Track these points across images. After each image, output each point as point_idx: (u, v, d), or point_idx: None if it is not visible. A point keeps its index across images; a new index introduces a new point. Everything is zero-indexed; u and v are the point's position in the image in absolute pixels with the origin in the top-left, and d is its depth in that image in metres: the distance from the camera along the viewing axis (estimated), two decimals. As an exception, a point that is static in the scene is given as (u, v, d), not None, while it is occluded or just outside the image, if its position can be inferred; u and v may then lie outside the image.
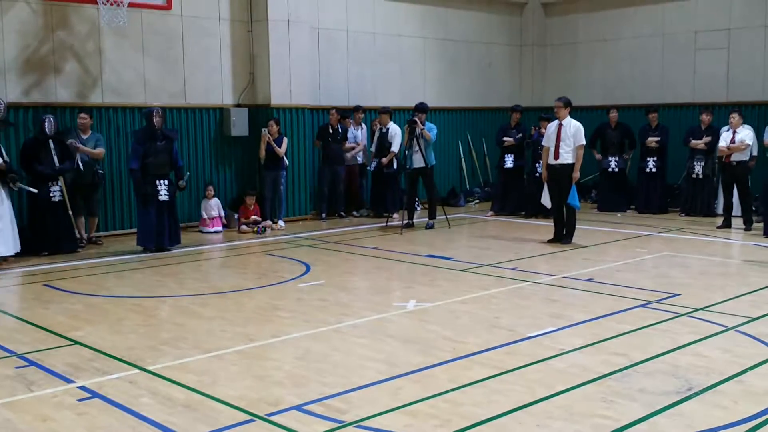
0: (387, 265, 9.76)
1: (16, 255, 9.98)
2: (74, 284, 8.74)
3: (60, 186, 10.50)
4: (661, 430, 4.46)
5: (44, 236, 10.46)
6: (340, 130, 13.92)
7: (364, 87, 15.14)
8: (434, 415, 4.70)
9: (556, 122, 11.01)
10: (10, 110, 10.87)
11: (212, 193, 12.63)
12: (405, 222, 12.69)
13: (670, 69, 15.88)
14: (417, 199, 13.80)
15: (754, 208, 12.61)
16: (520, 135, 14.29)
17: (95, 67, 11.78)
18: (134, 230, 12.13)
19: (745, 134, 12.28)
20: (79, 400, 5.04)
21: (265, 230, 12.48)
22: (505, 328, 6.68)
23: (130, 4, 11.36)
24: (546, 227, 11.94)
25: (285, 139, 12.96)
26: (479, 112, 17.18)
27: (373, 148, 14.22)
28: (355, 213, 14.44)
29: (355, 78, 15.02)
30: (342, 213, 14.17)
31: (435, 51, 16.35)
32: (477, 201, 16.46)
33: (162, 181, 10.47)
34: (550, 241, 11.09)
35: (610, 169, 14.74)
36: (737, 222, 12.38)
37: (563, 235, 11.03)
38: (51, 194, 10.44)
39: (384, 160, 13.85)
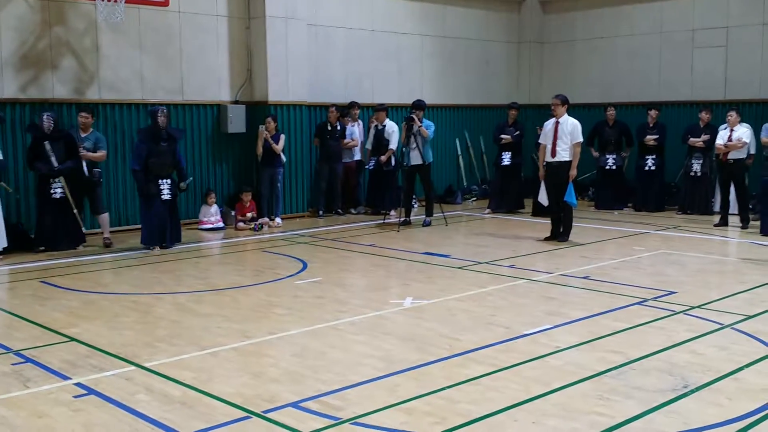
0: (384, 263, 9.77)
1: (4, 250, 9.98)
2: (71, 281, 8.73)
3: (61, 184, 10.38)
4: (657, 428, 4.47)
5: (44, 233, 10.44)
6: (338, 127, 13.91)
7: (361, 84, 15.13)
8: (430, 413, 4.70)
9: (553, 120, 11.00)
10: (7, 106, 10.86)
11: (213, 199, 12.62)
12: (402, 219, 12.69)
13: (668, 67, 15.88)
14: (414, 197, 13.80)
15: (751, 206, 12.63)
16: (518, 132, 14.28)
17: (92, 64, 11.77)
18: (130, 227, 12.19)
19: (743, 132, 12.29)
20: (75, 396, 5.04)
21: (262, 227, 12.47)
22: (502, 325, 6.68)
23: (128, 1, 11.35)
24: (543, 225, 11.94)
25: (282, 136, 12.95)
26: (477, 109, 17.18)
27: (369, 146, 14.21)
28: (352, 210, 14.43)
29: (352, 75, 15.01)
30: (339, 210, 14.17)
31: (433, 48, 16.34)
32: (474, 198, 16.47)
33: (165, 181, 10.41)
34: (547, 239, 11.09)
35: (607, 167, 14.74)
36: (734, 220, 12.39)
37: (560, 232, 11.03)
38: (52, 191, 10.36)
39: (383, 158, 13.85)
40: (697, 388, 5.06)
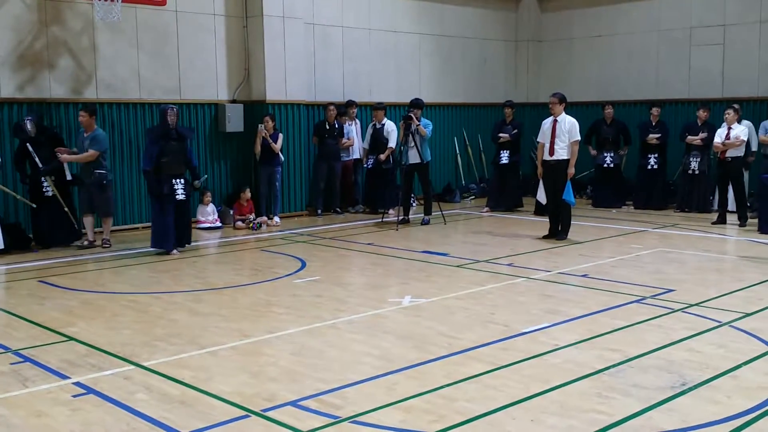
0: (382, 261, 9.77)
1: (2, 251, 10.03)
2: (69, 280, 8.73)
3: (47, 183, 10.48)
4: (656, 425, 4.47)
5: (38, 231, 10.54)
6: (336, 126, 13.91)
7: (359, 83, 15.13)
8: (429, 411, 4.70)
9: (551, 118, 11.01)
10: (4, 106, 10.85)
11: (209, 199, 12.63)
12: (400, 218, 12.69)
13: (666, 65, 15.89)
14: (412, 195, 13.80)
15: (749, 204, 12.64)
16: (516, 131, 14.28)
17: (89, 63, 11.75)
18: (128, 226, 12.19)
19: (740, 130, 12.29)
20: (74, 396, 5.04)
21: (260, 226, 12.47)
22: (500, 323, 6.69)
23: (125, 0, 11.33)
24: (541, 223, 11.95)
25: (280, 135, 12.96)
26: (475, 108, 17.18)
27: (366, 145, 14.20)
28: (350, 209, 14.43)
29: (350, 74, 15.00)
30: (338, 209, 14.17)
31: (430, 47, 16.34)
32: (472, 197, 16.47)
33: (178, 180, 10.13)
34: (545, 237, 11.10)
35: (605, 165, 14.75)
36: (732, 218, 12.40)
37: (558, 230, 11.04)
38: (44, 190, 10.48)
39: (382, 156, 13.84)
40: (696, 386, 5.07)
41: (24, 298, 7.90)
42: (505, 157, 14.31)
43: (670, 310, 7.04)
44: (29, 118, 10.50)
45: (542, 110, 14.86)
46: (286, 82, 13.47)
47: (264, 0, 13.10)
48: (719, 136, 12.35)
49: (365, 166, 14.34)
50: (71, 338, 6.38)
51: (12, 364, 5.73)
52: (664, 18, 15.88)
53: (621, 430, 4.42)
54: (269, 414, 4.68)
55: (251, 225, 12.42)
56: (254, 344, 6.22)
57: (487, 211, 14.29)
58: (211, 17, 13.04)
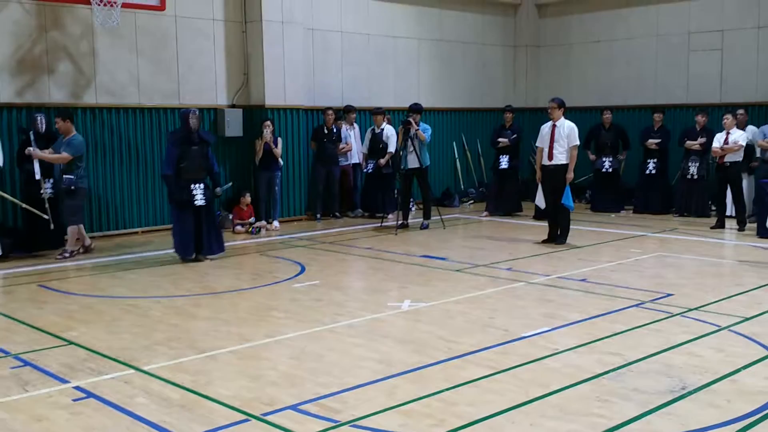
0: (382, 266, 9.77)
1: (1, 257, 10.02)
2: (69, 285, 8.73)
3: (51, 182, 10.46)
4: (655, 429, 4.48)
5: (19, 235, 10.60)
6: (335, 130, 13.93)
7: (358, 88, 15.14)
8: (429, 415, 4.71)
9: (550, 123, 11.02)
10: (3, 110, 10.86)
11: None
12: (400, 222, 12.69)
13: (664, 70, 15.92)
14: (412, 200, 13.81)
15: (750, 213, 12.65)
16: (515, 136, 14.30)
17: (89, 68, 11.77)
18: (127, 230, 12.20)
19: (739, 135, 12.31)
20: (74, 400, 5.04)
21: (259, 231, 12.48)
22: (500, 327, 6.69)
23: (124, 5, 11.34)
24: (540, 228, 11.96)
25: (279, 140, 12.98)
26: (474, 112, 17.21)
27: (365, 149, 14.21)
28: (349, 213, 14.44)
29: (349, 79, 15.02)
30: (337, 213, 14.17)
31: (429, 52, 16.37)
32: (471, 201, 16.48)
33: (198, 185, 9.83)
34: (544, 242, 11.11)
35: (603, 170, 14.77)
36: (731, 223, 12.42)
37: (557, 235, 11.05)
38: (42, 193, 10.36)
39: (381, 161, 13.85)
40: (695, 390, 5.07)
41: (24, 302, 7.89)
42: (504, 161, 14.32)
43: (669, 315, 7.04)
44: (41, 114, 10.55)
45: (541, 115, 14.87)
46: (285, 86, 13.49)
47: (263, 5, 13.12)
48: (718, 141, 12.38)
49: (365, 170, 14.34)
50: (71, 342, 6.38)
51: (12, 368, 5.73)
52: (663, 23, 15.92)
53: (620, 433, 4.44)
54: (269, 418, 4.69)
55: (250, 229, 12.42)
56: (254, 348, 6.23)
57: (486, 216, 14.30)
58: (210, 22, 13.06)
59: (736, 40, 14.90)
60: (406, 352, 6.01)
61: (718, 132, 12.61)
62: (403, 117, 13.02)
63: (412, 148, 12.44)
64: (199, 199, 9.87)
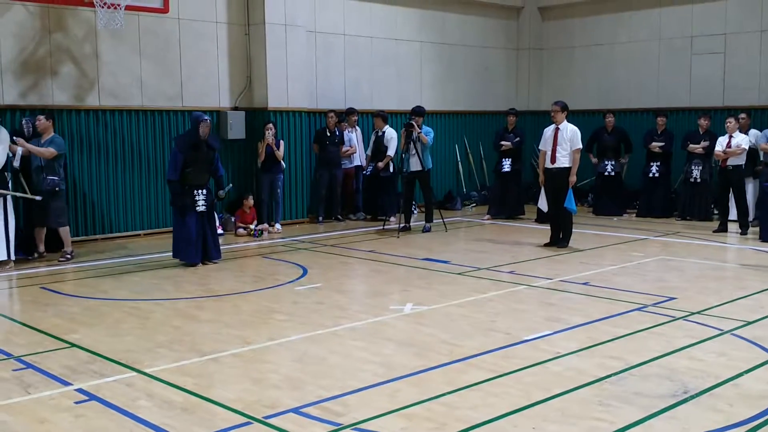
0: (384, 269, 9.77)
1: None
2: (71, 287, 8.74)
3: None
4: (657, 433, 4.48)
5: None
6: (337, 133, 13.94)
7: (360, 91, 15.16)
8: (431, 418, 4.71)
9: (552, 126, 11.03)
10: (7, 112, 10.87)
11: None
12: (402, 225, 12.70)
13: (667, 73, 15.92)
14: (414, 203, 13.81)
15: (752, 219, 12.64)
16: (518, 139, 14.30)
17: (92, 70, 11.79)
18: (128, 233, 12.21)
19: (741, 139, 12.31)
20: (76, 402, 5.05)
21: (262, 233, 12.48)
22: (502, 331, 6.69)
23: (127, 7, 11.35)
24: (543, 231, 11.96)
25: (282, 143, 12.99)
26: (476, 115, 17.21)
27: (369, 152, 14.23)
28: (351, 216, 14.45)
29: (351, 82, 15.03)
30: (339, 216, 14.18)
31: (432, 55, 16.38)
32: (474, 205, 16.47)
33: (200, 191, 9.81)
34: (546, 245, 11.11)
35: (606, 173, 14.76)
36: (734, 226, 12.41)
37: (560, 238, 11.05)
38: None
39: (380, 164, 13.87)
40: (697, 394, 5.07)
41: (26, 305, 7.91)
42: (506, 165, 14.32)
43: (671, 318, 7.04)
44: (29, 119, 10.50)
45: (543, 118, 14.88)
46: (287, 89, 13.50)
47: (266, 8, 13.14)
48: (720, 145, 12.37)
49: (364, 173, 14.35)
50: (73, 345, 6.39)
51: (14, 370, 5.73)
52: (665, 26, 15.92)
53: (622, 438, 4.44)
54: (271, 421, 4.69)
55: (252, 232, 12.43)
56: (256, 351, 6.23)
57: (488, 219, 14.30)
58: (213, 25, 13.08)
59: (739, 43, 14.89)
60: (408, 356, 6.01)
61: (720, 135, 12.61)
62: (405, 120, 13.01)
63: (414, 151, 12.44)
64: (201, 205, 9.84)
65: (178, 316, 7.37)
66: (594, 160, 14.92)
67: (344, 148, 14.12)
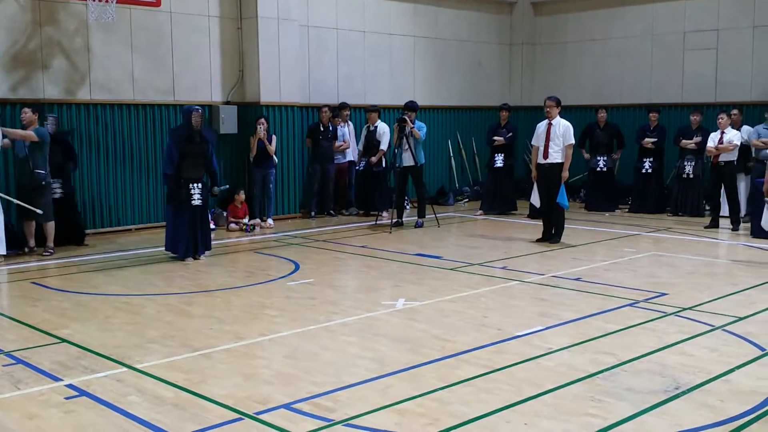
0: (376, 264, 9.76)
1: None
2: (62, 282, 8.70)
3: (60, 182, 10.54)
4: (649, 429, 4.48)
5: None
6: (330, 128, 13.91)
7: (353, 85, 15.13)
8: (423, 414, 4.70)
9: (545, 121, 11.02)
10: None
11: None
12: (394, 221, 12.68)
13: (659, 69, 15.93)
14: (406, 198, 13.80)
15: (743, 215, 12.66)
16: (510, 134, 14.30)
17: (83, 64, 11.73)
18: (121, 228, 12.17)
19: (733, 135, 12.33)
20: (67, 398, 5.02)
21: (254, 228, 12.45)
22: (494, 327, 6.69)
23: (119, 1, 11.31)
24: (535, 226, 11.96)
25: (274, 137, 12.95)
26: (469, 110, 17.20)
27: (360, 147, 14.22)
28: (344, 212, 14.43)
29: (344, 76, 15.00)
30: (332, 211, 14.15)
31: (425, 49, 16.35)
32: (466, 200, 16.48)
33: (196, 185, 9.75)
34: (538, 241, 11.11)
35: (598, 169, 14.78)
36: (725, 222, 12.43)
37: (552, 234, 11.05)
38: (53, 192, 10.44)
39: (373, 159, 13.86)
40: (689, 390, 5.08)
41: (17, 300, 7.87)
42: (499, 160, 14.32)
43: (663, 314, 7.05)
44: (53, 116, 10.59)
45: (536, 113, 14.88)
46: (280, 84, 13.46)
47: (258, 2, 13.09)
48: (713, 141, 12.39)
49: (357, 168, 14.34)
50: (64, 340, 6.36)
51: (4, 365, 5.70)
52: (658, 22, 15.93)
53: (614, 433, 4.44)
54: (262, 417, 4.68)
55: (244, 227, 12.40)
56: (247, 347, 6.21)
57: (480, 214, 14.30)
58: (205, 18, 13.02)
59: (731, 39, 14.91)
60: (401, 351, 6.01)
61: (713, 131, 12.63)
62: (398, 115, 13.00)
63: (407, 146, 12.43)
64: (197, 199, 9.79)
65: (170, 312, 7.34)
66: (586, 155, 14.93)
67: (337, 143, 14.10)
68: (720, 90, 15.05)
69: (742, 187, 12.88)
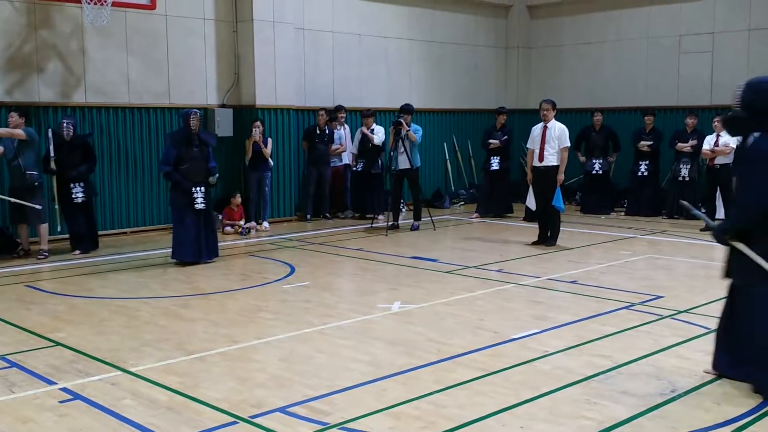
0: (372, 267, 9.75)
1: None
2: (57, 285, 8.67)
3: (81, 186, 10.40)
4: (645, 432, 4.48)
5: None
6: (327, 131, 13.90)
7: (349, 88, 15.12)
8: (418, 417, 4.69)
9: (540, 124, 11.03)
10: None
11: None
12: (390, 223, 12.68)
13: (655, 72, 15.95)
14: (402, 201, 13.79)
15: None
16: (506, 137, 14.31)
17: (78, 67, 11.71)
18: (116, 231, 12.14)
19: (729, 138, 12.34)
20: (61, 401, 5.00)
21: (249, 231, 12.43)
22: (490, 329, 6.68)
23: (114, 4, 11.29)
24: (531, 229, 11.96)
25: (270, 140, 12.94)
26: (465, 113, 17.21)
27: (354, 150, 14.21)
28: (340, 214, 14.42)
29: (340, 79, 15.00)
30: (327, 214, 14.14)
31: (421, 53, 16.36)
32: (462, 203, 16.48)
33: (198, 188, 9.63)
34: (534, 243, 11.11)
35: (593, 172, 14.79)
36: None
37: (547, 237, 11.05)
38: (74, 196, 10.36)
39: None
40: (685, 393, 5.07)
41: (11, 303, 7.84)
42: (495, 163, 14.33)
43: (659, 317, 7.05)
44: (65, 120, 10.42)
45: (532, 116, 14.87)
46: (275, 86, 13.45)
47: (254, 5, 13.09)
48: (708, 144, 12.42)
49: (354, 169, 14.32)
50: (58, 343, 6.34)
51: (-2, 369, 5.68)
52: (653, 25, 15.96)
53: (610, 436, 4.43)
54: (257, 420, 4.66)
55: (240, 230, 12.38)
56: (242, 350, 6.19)
57: (476, 217, 14.30)
58: (201, 21, 13.01)
59: (727, 42, 14.94)
60: (396, 354, 5.99)
61: (708, 134, 12.64)
62: (394, 118, 12.99)
63: (402, 149, 12.42)
64: (200, 203, 9.68)
65: (165, 315, 7.32)
66: (582, 158, 14.95)
67: (334, 146, 14.08)
68: (715, 93, 15.06)
69: (738, 189, 12.86)
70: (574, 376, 5.40)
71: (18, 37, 11.13)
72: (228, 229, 12.46)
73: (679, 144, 13.74)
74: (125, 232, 12.27)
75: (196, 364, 5.80)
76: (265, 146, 12.75)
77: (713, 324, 6.71)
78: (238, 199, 12.63)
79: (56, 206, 10.40)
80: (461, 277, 8.97)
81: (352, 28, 15.12)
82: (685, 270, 9.41)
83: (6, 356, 5.99)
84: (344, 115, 14.44)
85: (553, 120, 10.97)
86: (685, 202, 6.92)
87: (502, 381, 5.34)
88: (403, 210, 14.03)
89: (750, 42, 14.68)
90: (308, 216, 13.91)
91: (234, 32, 13.38)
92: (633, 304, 7.52)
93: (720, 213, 12.54)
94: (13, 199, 9.98)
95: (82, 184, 10.44)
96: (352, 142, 14.42)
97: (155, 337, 6.52)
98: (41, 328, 6.79)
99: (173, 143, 9.69)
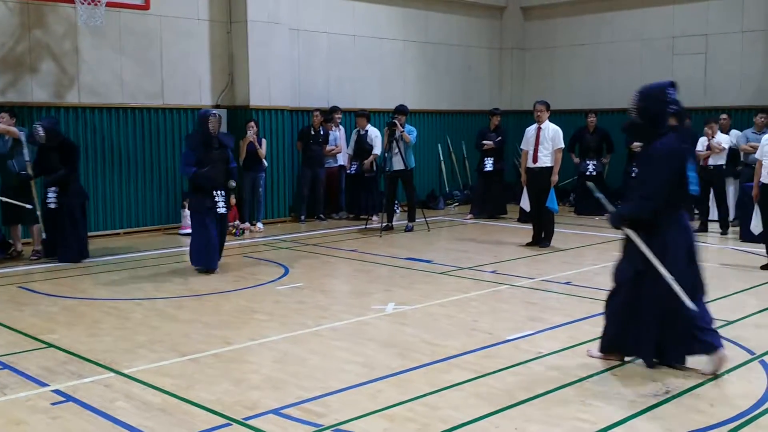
0: (366, 268, 9.74)
1: None
2: (50, 286, 8.64)
3: (54, 192, 9.84)
4: (639, 434, 4.48)
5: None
6: (321, 132, 13.89)
7: (343, 89, 15.11)
8: (412, 419, 4.68)
9: (534, 126, 11.04)
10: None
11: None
12: (384, 225, 12.67)
13: (649, 74, 15.90)
14: (396, 202, 13.78)
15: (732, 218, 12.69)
16: (500, 138, 14.32)
17: (72, 67, 11.67)
18: (109, 232, 12.11)
19: (722, 137, 12.38)
20: (53, 404, 4.98)
21: (243, 232, 12.41)
22: (484, 331, 6.68)
23: (108, 4, 11.26)
24: (525, 230, 11.97)
25: (264, 141, 12.92)
26: (459, 115, 17.22)
27: (350, 151, 14.20)
28: (334, 216, 14.41)
29: (334, 80, 14.99)
30: (321, 215, 14.13)
31: (415, 54, 16.36)
32: (456, 204, 16.48)
33: (219, 192, 9.28)
34: (528, 245, 11.12)
35: (587, 173, 14.79)
36: (714, 226, 12.46)
37: (541, 238, 11.06)
38: (47, 201, 9.90)
39: (366, 162, 13.82)
40: (679, 394, 5.08)
41: (4, 304, 7.80)
42: (489, 164, 14.33)
43: (652, 318, 7.04)
44: (36, 125, 9.85)
45: (526, 118, 14.89)
46: (269, 87, 13.44)
47: (248, 5, 13.06)
48: (701, 145, 12.43)
49: (349, 171, 14.31)
50: (51, 345, 6.31)
51: (-10, 371, 5.66)
52: (647, 27, 15.99)
53: (604, 438, 4.43)
54: (251, 422, 4.65)
55: (234, 231, 12.35)
56: (236, 351, 6.18)
57: (470, 218, 14.30)
58: (195, 22, 12.99)
59: (720, 44, 14.98)
60: (390, 356, 5.98)
61: (701, 136, 12.65)
62: (388, 119, 12.99)
63: (397, 150, 12.42)
64: (221, 207, 9.37)
65: (158, 316, 7.30)
66: (576, 160, 14.96)
67: (329, 147, 14.07)
68: (709, 95, 15.10)
69: (731, 191, 12.91)
70: (568, 378, 5.40)
71: (11, 37, 11.09)
72: (222, 230, 12.40)
73: (673, 145, 13.73)
74: (118, 233, 12.24)
75: (189, 366, 5.78)
76: (260, 147, 12.73)
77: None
78: (232, 200, 12.54)
79: (38, 212, 9.96)
80: (455, 279, 8.96)
81: (347, 29, 15.11)
82: (679, 271, 9.40)
83: (-2, 358, 5.97)
84: (341, 116, 14.44)
85: (547, 121, 10.98)
86: (590, 184, 7.27)
87: (496, 382, 5.34)
88: (398, 211, 14.03)
89: (743, 44, 14.72)
90: (302, 217, 13.89)
91: (228, 33, 13.36)
92: (627, 306, 7.51)
93: (713, 213, 12.57)
94: (5, 199, 9.93)
95: (55, 189, 9.86)
96: (347, 143, 14.41)
97: (149, 339, 6.50)
98: (34, 330, 6.77)
99: (192, 147, 9.28)
